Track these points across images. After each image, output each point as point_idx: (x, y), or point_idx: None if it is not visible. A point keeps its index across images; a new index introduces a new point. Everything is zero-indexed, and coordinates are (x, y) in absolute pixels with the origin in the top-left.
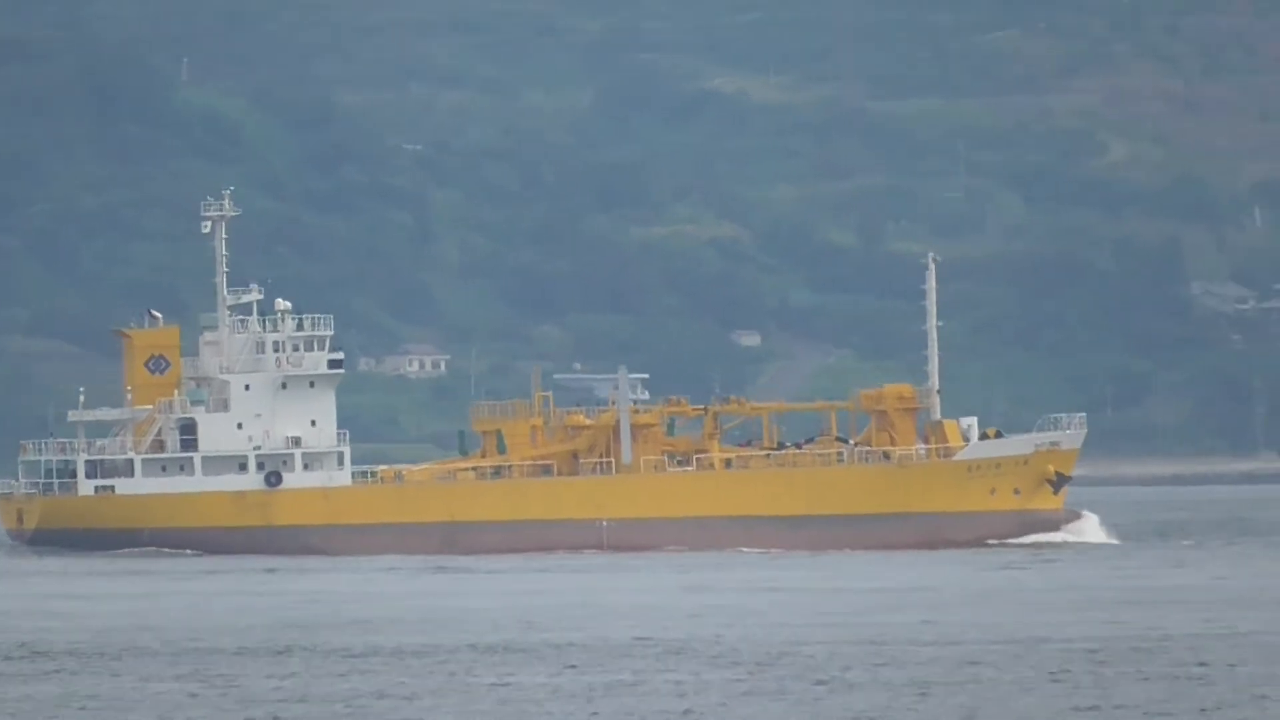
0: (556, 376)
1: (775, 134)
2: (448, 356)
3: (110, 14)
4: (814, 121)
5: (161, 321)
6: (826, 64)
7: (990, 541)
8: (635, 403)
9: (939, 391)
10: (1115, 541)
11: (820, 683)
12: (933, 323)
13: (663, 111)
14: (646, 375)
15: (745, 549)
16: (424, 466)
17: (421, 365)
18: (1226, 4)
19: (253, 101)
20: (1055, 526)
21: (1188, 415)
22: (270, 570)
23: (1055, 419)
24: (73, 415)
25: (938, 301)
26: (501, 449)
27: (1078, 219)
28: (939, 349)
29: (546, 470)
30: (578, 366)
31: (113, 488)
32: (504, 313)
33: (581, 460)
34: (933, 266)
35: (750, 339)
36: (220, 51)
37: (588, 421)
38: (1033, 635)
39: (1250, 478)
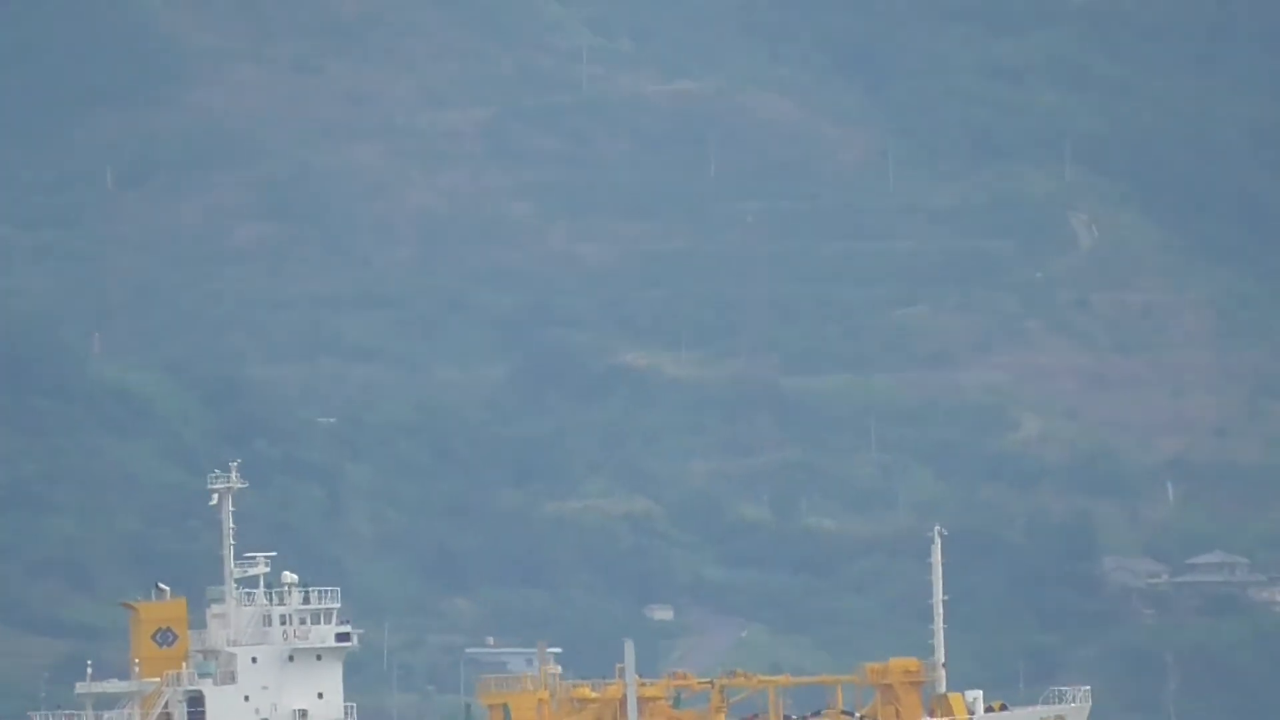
0: (469, 650)
1: (687, 409)
2: (361, 630)
3: (21, 288)
4: (725, 397)
5: (169, 594)
6: (737, 339)
7: None
8: (638, 676)
9: (944, 665)
10: None
11: None
12: (938, 596)
13: (575, 387)
14: (559, 649)
15: None
16: None
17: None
18: (1138, 281)
19: (164, 375)
20: None
21: (1099, 692)
22: None
23: (1060, 692)
24: (80, 687)
25: (850, 577)
26: None
27: (990, 494)
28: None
29: None
30: (490, 640)
31: None
32: (416, 587)
33: None
34: (938, 540)
35: (664, 613)
36: (131, 325)
37: (594, 695)
38: None
39: None
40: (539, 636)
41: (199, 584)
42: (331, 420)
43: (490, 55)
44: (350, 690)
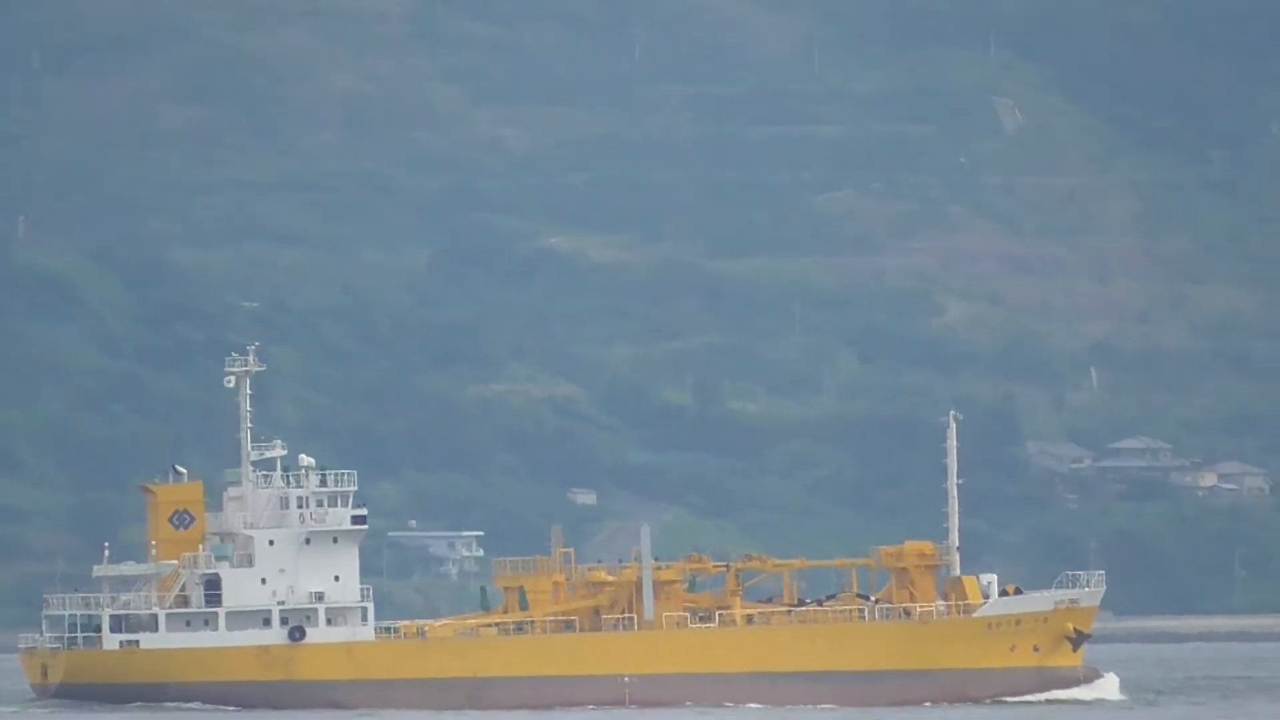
0: (391, 534)
1: (612, 293)
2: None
3: None
4: (649, 281)
5: (186, 477)
6: (662, 223)
7: (1009, 698)
8: (654, 560)
9: (959, 549)
10: (1126, 699)
11: None
12: (953, 480)
13: (499, 271)
14: (482, 532)
15: (767, 705)
16: (446, 622)
17: None
18: (1062, 165)
19: (89, 259)
20: (1075, 683)
21: (1024, 575)
22: None
23: (1074, 576)
24: (97, 570)
25: (774, 461)
26: (524, 605)
27: (913, 379)
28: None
29: (569, 626)
30: (413, 524)
31: (137, 642)
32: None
33: (604, 616)
34: (954, 425)
35: (586, 497)
36: (56, 210)
37: (610, 578)
38: None
39: None
40: (462, 520)
41: (127, 467)
42: (255, 304)
43: None
44: None
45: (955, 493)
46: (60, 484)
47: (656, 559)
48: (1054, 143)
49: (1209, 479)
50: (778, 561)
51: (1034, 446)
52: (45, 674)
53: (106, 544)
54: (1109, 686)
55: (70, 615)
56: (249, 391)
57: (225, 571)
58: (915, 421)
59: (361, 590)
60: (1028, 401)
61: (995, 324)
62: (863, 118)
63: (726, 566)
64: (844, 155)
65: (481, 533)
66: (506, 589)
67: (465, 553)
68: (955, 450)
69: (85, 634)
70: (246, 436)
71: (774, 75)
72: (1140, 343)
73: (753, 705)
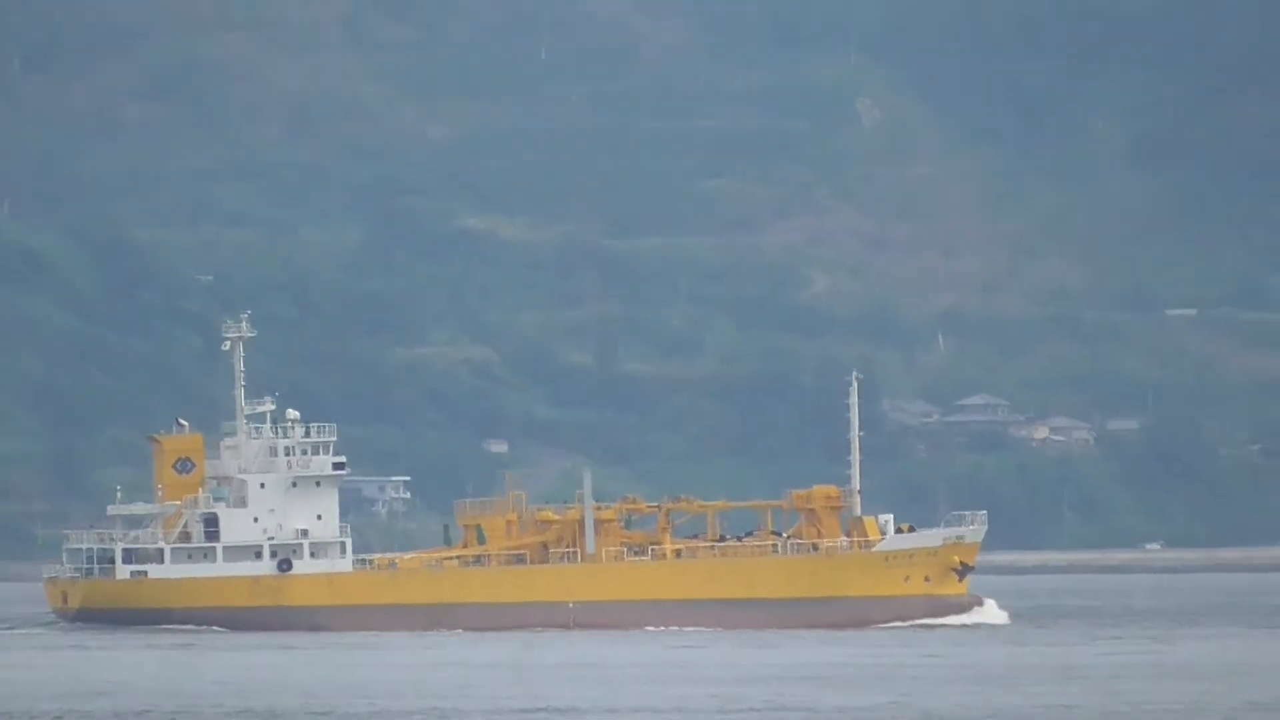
0: None
1: (521, 267)
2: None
3: None
4: (554, 257)
5: (188, 428)
6: (565, 206)
7: (901, 622)
8: (594, 501)
9: (859, 492)
10: (1009, 622)
11: None
12: (855, 431)
13: (423, 248)
14: (408, 478)
15: (691, 627)
16: (413, 555)
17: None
18: (914, 156)
19: (62, 236)
20: (961, 610)
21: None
22: (286, 648)
23: (960, 515)
24: (111, 509)
25: (663, 415)
26: (481, 540)
27: (784, 343)
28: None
29: (520, 559)
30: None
31: (146, 573)
32: None
33: (551, 550)
34: (855, 384)
35: (499, 447)
36: (34, 192)
37: (556, 517)
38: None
39: None
40: (391, 467)
41: (97, 418)
42: (209, 278)
43: None
44: None
45: (857, 443)
46: (38, 433)
47: (596, 500)
48: (907, 136)
49: (1041, 432)
50: (702, 503)
51: (889, 403)
52: (65, 600)
53: (119, 487)
54: (991, 611)
55: (87, 549)
56: (242, 354)
57: (222, 511)
58: (786, 380)
59: (340, 527)
60: (883, 363)
61: (855, 294)
62: (740, 113)
63: (658, 507)
64: (723, 146)
65: (408, 478)
66: (466, 526)
67: (393, 495)
68: (856, 406)
69: (101, 565)
70: (240, 393)
71: (662, 74)
72: (982, 311)
73: (679, 628)
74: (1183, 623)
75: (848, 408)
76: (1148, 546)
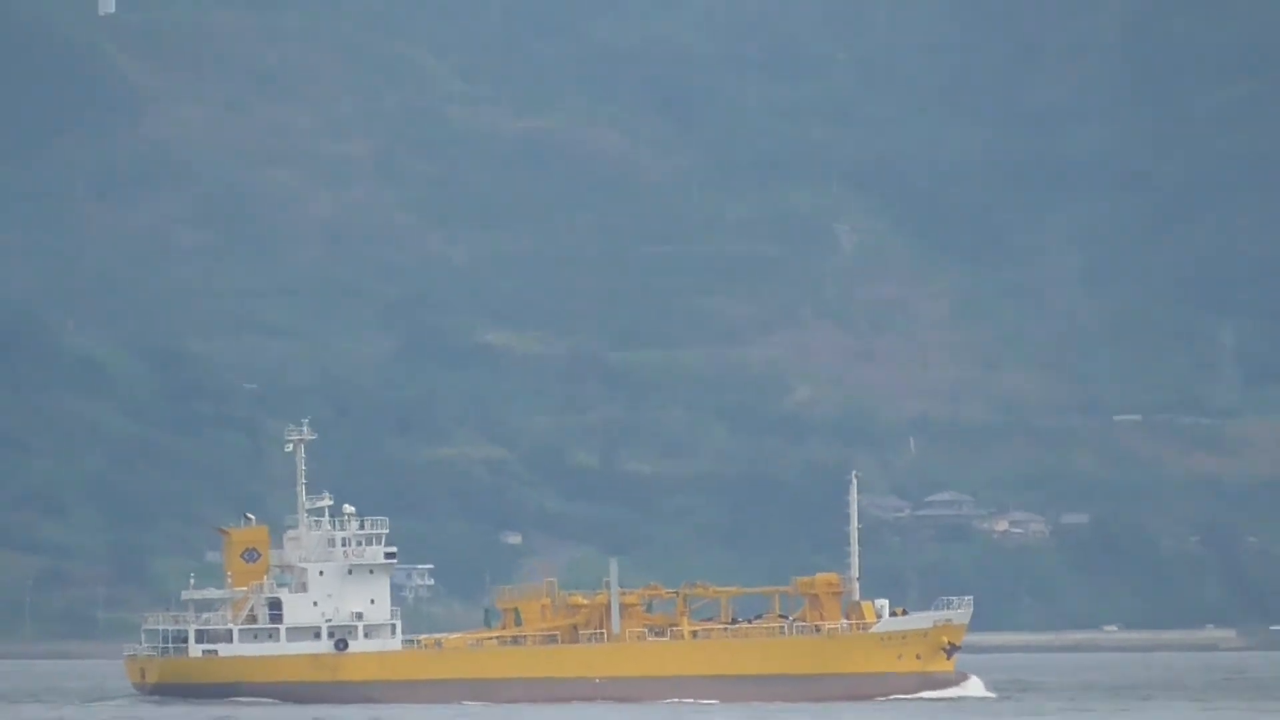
0: None
1: (533, 377)
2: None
3: (10, 276)
4: (564, 367)
5: (254, 522)
6: (574, 321)
7: (896, 696)
8: (620, 588)
9: (858, 579)
10: (994, 696)
11: None
12: (854, 525)
13: (447, 359)
14: (432, 565)
15: (707, 701)
16: (458, 636)
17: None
18: (888, 277)
19: (122, 348)
20: (948, 684)
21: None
22: None
23: (948, 600)
24: (185, 594)
25: (663, 510)
26: (518, 622)
27: (771, 445)
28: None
29: (553, 639)
30: None
31: (216, 651)
32: None
33: (580, 631)
34: (855, 482)
35: (514, 538)
36: (98, 309)
37: (585, 601)
38: None
39: None
40: (416, 556)
41: (156, 513)
42: (253, 386)
43: (380, 96)
44: None
45: (855, 535)
46: (99, 527)
47: (621, 587)
48: (880, 259)
49: (1002, 524)
50: (717, 588)
51: (865, 499)
52: (144, 675)
53: (192, 574)
54: (975, 685)
55: (163, 629)
56: (303, 454)
57: (285, 596)
58: (773, 478)
59: (391, 610)
60: (860, 463)
61: (835, 401)
62: (731, 238)
63: (676, 593)
64: (716, 268)
65: (432, 566)
66: (504, 610)
67: (419, 581)
68: (855, 501)
69: (175, 645)
70: (301, 489)
71: (660, 204)
72: (949, 416)
73: (696, 701)
74: (1140, 696)
75: (839, 503)
76: (1105, 629)
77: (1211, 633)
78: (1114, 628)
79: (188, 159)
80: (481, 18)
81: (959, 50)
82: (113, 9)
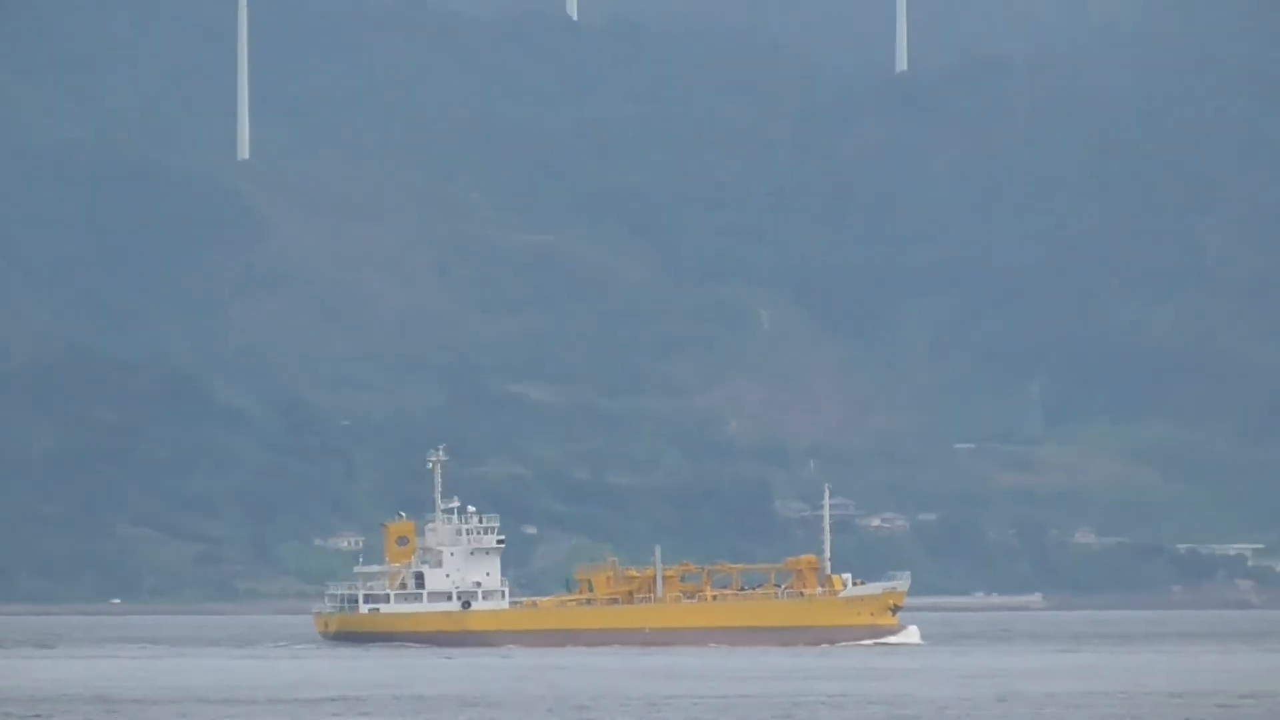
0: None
1: (545, 417)
2: (364, 536)
3: (175, 348)
4: (566, 411)
5: (405, 518)
6: (573, 378)
7: (853, 642)
8: (660, 565)
9: (830, 559)
10: (922, 643)
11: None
12: (827, 523)
13: (483, 405)
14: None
15: (725, 645)
16: (548, 599)
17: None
18: (796, 350)
19: (257, 397)
20: (894, 633)
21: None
22: (469, 656)
23: (894, 574)
24: (357, 568)
25: (635, 509)
26: (590, 589)
27: (710, 466)
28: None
29: (615, 601)
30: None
31: (378, 609)
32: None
33: (634, 595)
34: (827, 492)
35: (531, 530)
36: (238, 369)
37: (637, 574)
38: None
39: None
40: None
41: (280, 515)
42: (348, 423)
43: (436, 221)
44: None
45: (828, 530)
46: (239, 521)
47: (664, 564)
48: (789, 334)
49: (875, 521)
50: (729, 565)
51: (780, 505)
52: (326, 626)
53: (360, 555)
54: (913, 634)
55: (342, 594)
56: (440, 470)
57: (426, 570)
58: (712, 489)
59: (501, 580)
60: (776, 480)
61: (757, 435)
62: (683, 321)
63: (702, 568)
64: (672, 341)
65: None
66: (581, 580)
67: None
68: (828, 507)
69: (349, 605)
70: (438, 496)
71: (633, 296)
72: (838, 445)
73: (715, 645)
74: (1006, 639)
75: (760, 506)
76: (948, 597)
77: (1024, 598)
78: (959, 597)
79: (300, 264)
80: (508, 165)
81: (842, 184)
82: (247, 155)
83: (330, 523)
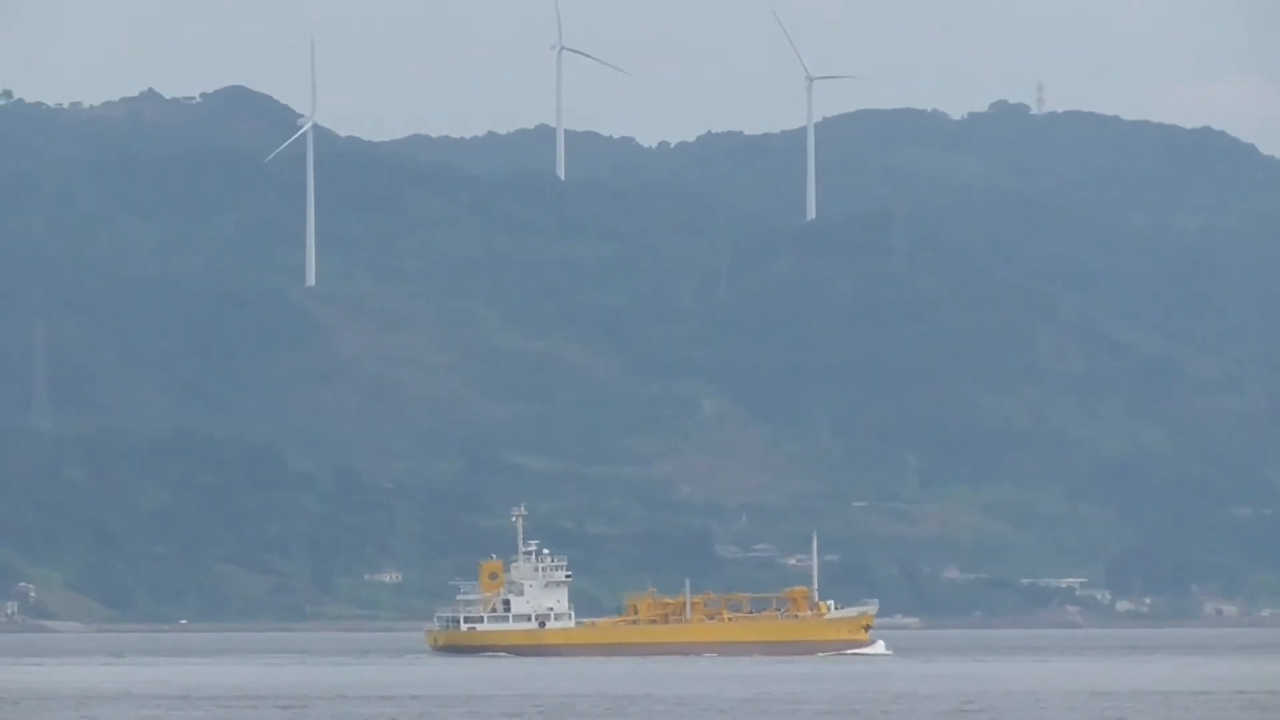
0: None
1: (542, 482)
2: (402, 572)
3: (253, 423)
4: (558, 477)
5: (495, 558)
6: (563, 450)
7: (835, 653)
8: (689, 594)
9: (817, 590)
10: (891, 653)
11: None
12: (815, 561)
13: (492, 472)
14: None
15: (736, 656)
16: (603, 620)
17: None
18: (730, 429)
19: (320, 465)
20: (867, 646)
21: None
22: (547, 662)
23: (866, 601)
24: (459, 596)
25: (609, 551)
26: (636, 612)
27: (663, 518)
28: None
29: (654, 622)
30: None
31: (475, 627)
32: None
33: (670, 617)
34: (815, 539)
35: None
36: (302, 444)
37: (671, 601)
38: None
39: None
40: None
41: (339, 554)
42: (390, 485)
43: (457, 328)
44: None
45: (817, 569)
46: (305, 559)
47: (693, 594)
48: (726, 419)
49: (793, 561)
50: (740, 595)
51: (720, 549)
52: (435, 640)
53: (460, 589)
54: (880, 647)
55: (446, 615)
56: (521, 525)
57: (512, 598)
58: (667, 537)
59: (568, 605)
60: (717, 529)
61: (700, 495)
62: (643, 407)
63: (721, 597)
64: (635, 423)
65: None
66: (629, 605)
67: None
68: (816, 550)
69: (452, 624)
70: (520, 540)
71: (604, 388)
72: (763, 502)
73: (730, 656)
74: (932, 651)
75: (703, 551)
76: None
77: (906, 620)
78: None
79: (352, 363)
80: (512, 288)
81: (766, 304)
82: (314, 282)
83: (377, 561)
